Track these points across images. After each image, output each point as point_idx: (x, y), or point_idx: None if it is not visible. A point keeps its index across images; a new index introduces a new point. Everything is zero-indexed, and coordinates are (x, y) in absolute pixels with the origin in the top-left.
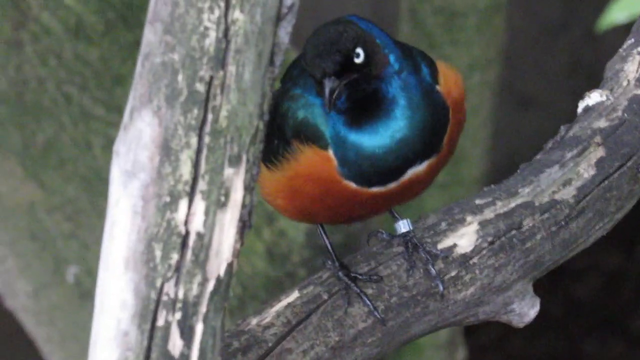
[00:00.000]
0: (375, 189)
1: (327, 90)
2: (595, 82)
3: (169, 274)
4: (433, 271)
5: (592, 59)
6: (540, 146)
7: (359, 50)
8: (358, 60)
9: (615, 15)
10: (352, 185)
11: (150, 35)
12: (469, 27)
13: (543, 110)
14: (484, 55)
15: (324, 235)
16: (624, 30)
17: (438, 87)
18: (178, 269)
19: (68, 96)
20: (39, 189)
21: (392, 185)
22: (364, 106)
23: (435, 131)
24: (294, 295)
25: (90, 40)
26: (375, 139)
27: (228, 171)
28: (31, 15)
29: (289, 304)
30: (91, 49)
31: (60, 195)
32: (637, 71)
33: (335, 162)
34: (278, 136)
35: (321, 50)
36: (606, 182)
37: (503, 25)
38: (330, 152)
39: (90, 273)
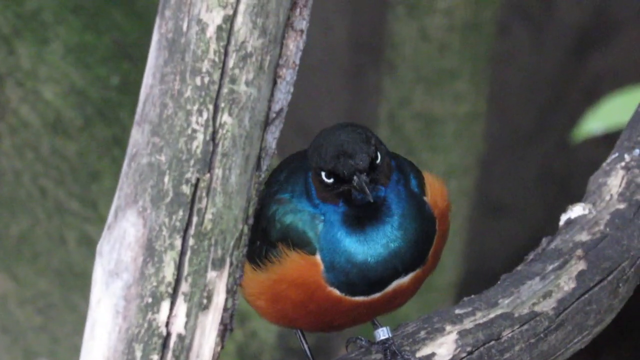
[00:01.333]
0: (358, 298)
1: (364, 184)
2: (567, 191)
3: None
4: None
5: (565, 169)
6: (511, 253)
7: (378, 153)
8: (378, 162)
9: (591, 126)
10: (336, 292)
11: (138, 136)
12: (448, 133)
13: (514, 217)
14: (462, 163)
15: (302, 339)
16: (597, 141)
17: (425, 198)
18: None
19: (43, 190)
20: (11, 281)
21: (376, 296)
22: (362, 212)
23: (423, 243)
24: None
25: (68, 135)
26: (370, 247)
27: (211, 274)
28: (10, 108)
29: None
30: (69, 143)
31: (32, 288)
32: (620, 185)
33: (321, 267)
34: (262, 238)
35: (351, 149)
36: (586, 295)
37: (481, 133)
38: (318, 257)
39: None
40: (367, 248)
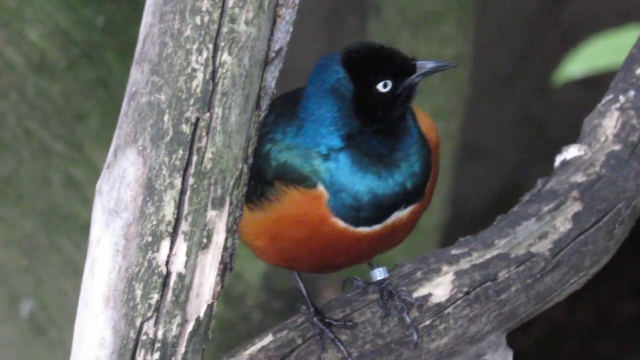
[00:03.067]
0: (361, 229)
1: (433, 64)
2: (544, 134)
3: (149, 314)
4: (408, 319)
5: (542, 112)
6: (488, 197)
7: None
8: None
9: (571, 69)
10: (340, 223)
11: (137, 75)
12: (433, 76)
13: (491, 160)
14: (446, 105)
15: (299, 279)
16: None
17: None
18: (158, 309)
19: (28, 131)
20: None
21: (377, 227)
22: (380, 139)
23: (424, 176)
24: (268, 338)
25: (53, 76)
26: (383, 175)
27: (211, 213)
28: None
29: (262, 347)
30: (53, 85)
31: (17, 230)
32: (615, 127)
33: (325, 197)
34: (257, 177)
35: (393, 50)
36: (582, 236)
37: (466, 75)
38: (320, 189)
39: (44, 308)
40: (381, 176)
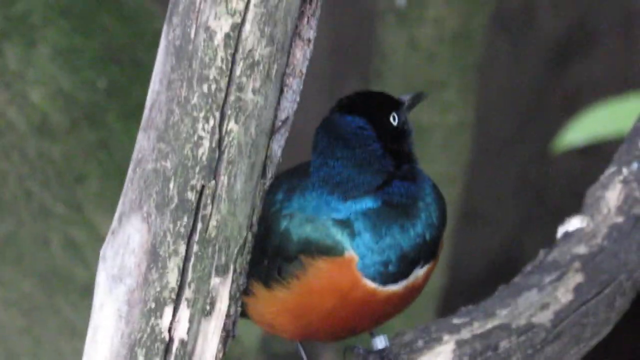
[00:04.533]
0: (390, 288)
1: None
2: (542, 202)
3: None
4: None
5: (541, 180)
6: (485, 263)
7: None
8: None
9: (571, 137)
10: (369, 285)
11: (144, 142)
12: (436, 143)
13: (490, 227)
14: (448, 172)
15: (300, 347)
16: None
17: None
18: None
19: (29, 192)
20: None
21: (403, 284)
22: (398, 196)
23: (439, 235)
24: None
25: (54, 138)
26: (409, 232)
27: (215, 280)
28: None
29: None
30: (55, 146)
31: (16, 291)
32: (617, 199)
33: (355, 261)
34: (272, 256)
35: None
36: (583, 307)
37: (468, 143)
38: (351, 253)
39: None
40: (404, 227)
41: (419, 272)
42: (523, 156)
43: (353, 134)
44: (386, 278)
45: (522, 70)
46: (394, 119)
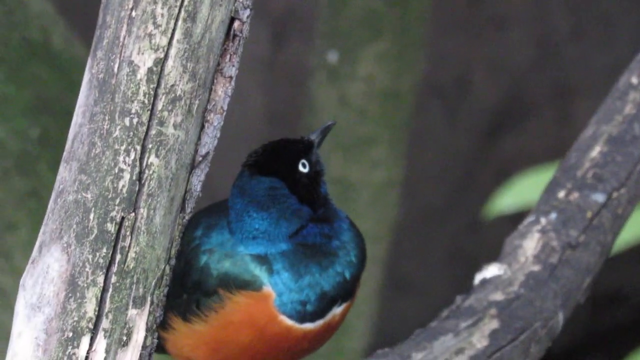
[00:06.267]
0: (305, 326)
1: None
2: (474, 272)
3: None
4: None
5: (473, 250)
6: (415, 328)
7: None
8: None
9: (502, 204)
10: (286, 321)
11: (65, 173)
12: (363, 200)
13: (420, 295)
14: (375, 231)
15: None
16: (506, 222)
17: None
18: None
19: None
20: None
21: (320, 323)
22: (318, 228)
23: (358, 275)
24: None
25: None
26: (328, 271)
27: (132, 312)
28: None
29: None
30: None
31: None
32: (535, 248)
33: (272, 297)
34: (191, 290)
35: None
36: (498, 353)
37: (395, 201)
38: (268, 288)
39: None
40: (322, 266)
41: (337, 311)
42: (455, 224)
43: (267, 195)
44: (303, 317)
45: (456, 138)
46: (304, 166)
